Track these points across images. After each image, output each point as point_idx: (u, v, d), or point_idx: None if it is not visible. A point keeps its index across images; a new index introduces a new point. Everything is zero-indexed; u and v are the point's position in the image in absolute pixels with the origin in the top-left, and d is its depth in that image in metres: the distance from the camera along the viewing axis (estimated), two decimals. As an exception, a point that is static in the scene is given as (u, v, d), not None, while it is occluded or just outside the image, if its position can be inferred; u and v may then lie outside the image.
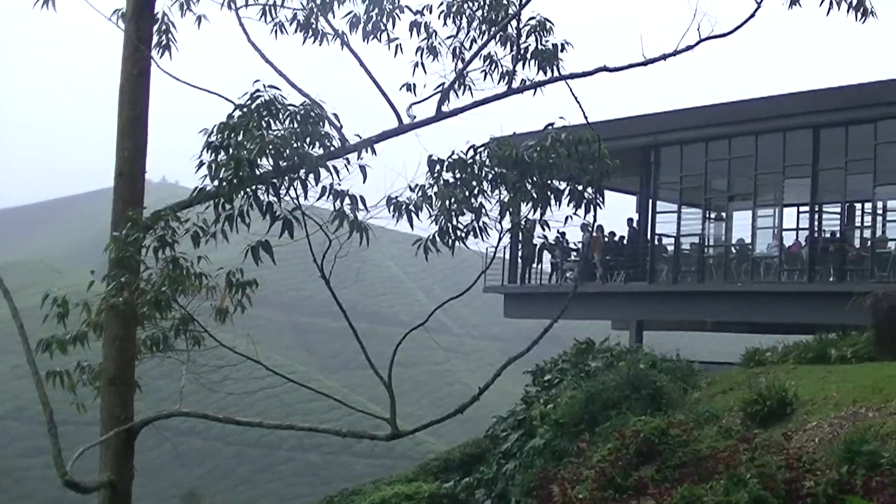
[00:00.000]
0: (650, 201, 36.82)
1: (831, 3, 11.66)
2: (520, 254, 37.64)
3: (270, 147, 10.51)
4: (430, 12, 12.93)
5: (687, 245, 35.90)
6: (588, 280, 36.25)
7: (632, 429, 20.06)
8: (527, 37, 12.56)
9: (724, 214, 36.12)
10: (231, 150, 10.66)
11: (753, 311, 32.39)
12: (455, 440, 34.94)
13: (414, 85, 12.83)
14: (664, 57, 11.98)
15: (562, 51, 12.50)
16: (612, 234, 37.99)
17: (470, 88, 12.78)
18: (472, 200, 11.30)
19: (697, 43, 11.79)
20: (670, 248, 36.19)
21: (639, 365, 24.63)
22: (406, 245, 11.48)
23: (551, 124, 11.36)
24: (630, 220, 38.33)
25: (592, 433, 22.12)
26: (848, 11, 11.60)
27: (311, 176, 10.63)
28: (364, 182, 10.93)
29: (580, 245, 37.16)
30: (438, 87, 12.58)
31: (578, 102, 11.74)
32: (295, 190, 10.82)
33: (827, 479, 15.12)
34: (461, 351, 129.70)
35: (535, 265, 38.85)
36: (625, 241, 38.08)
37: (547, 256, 37.27)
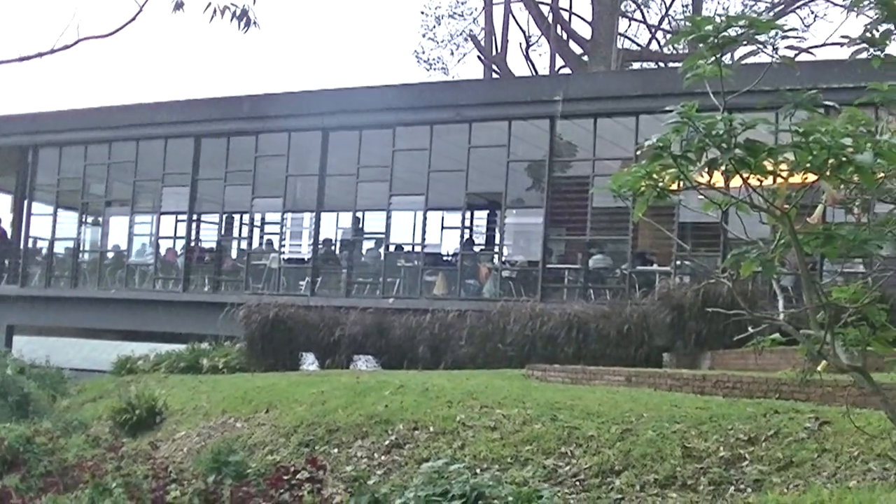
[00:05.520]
0: (25, 202, 35.47)
1: (215, 11, 11.53)
2: None
3: None
4: None
5: (62, 249, 34.88)
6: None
7: (-4, 436, 19.24)
8: None
9: (101, 219, 35.50)
10: None
11: (127, 319, 31.96)
12: None
13: None
14: (40, 55, 11.36)
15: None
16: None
17: None
18: None
19: (76, 42, 11.29)
20: (45, 251, 35.05)
21: (6, 370, 23.63)
22: None
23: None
24: (-4, 219, 36.68)
25: (-44, 442, 21.03)
26: (231, 20, 11.53)
27: None
28: None
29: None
30: None
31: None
32: None
33: (194, 488, 15.06)
34: None
35: None
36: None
37: None
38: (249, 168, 30.64)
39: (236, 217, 34.53)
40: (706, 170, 6.30)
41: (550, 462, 12.37)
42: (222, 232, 33.33)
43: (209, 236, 34.22)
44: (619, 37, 43.98)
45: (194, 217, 32.96)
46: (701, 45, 6.51)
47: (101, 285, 32.99)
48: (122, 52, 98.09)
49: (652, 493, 11.02)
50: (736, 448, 11.32)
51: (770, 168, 6.46)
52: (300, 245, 34.83)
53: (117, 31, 11.53)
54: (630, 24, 50.53)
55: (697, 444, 11.63)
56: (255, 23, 11.70)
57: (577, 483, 11.76)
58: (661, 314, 20.93)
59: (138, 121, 32.15)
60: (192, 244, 32.75)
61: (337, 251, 31.53)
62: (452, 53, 54.25)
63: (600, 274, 26.39)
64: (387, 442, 14.50)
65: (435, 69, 53.98)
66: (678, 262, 24.65)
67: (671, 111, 6.18)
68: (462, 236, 29.15)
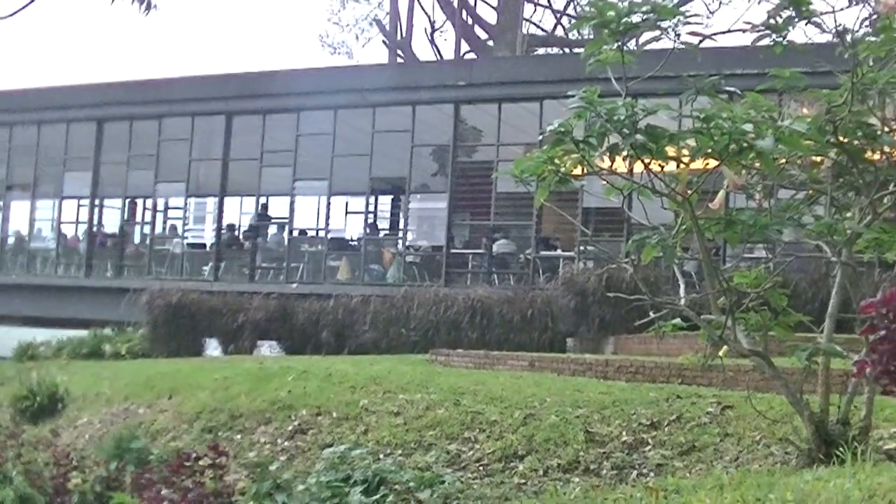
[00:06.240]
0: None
1: (129, -5, 11.39)
2: None
3: None
4: None
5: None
6: None
7: None
8: None
9: (1, 204, 34.91)
10: None
11: (29, 305, 31.46)
12: None
13: None
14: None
15: None
16: None
17: None
18: None
19: (-23, 23, 11.07)
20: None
21: None
22: None
23: None
24: None
25: None
26: (133, 2, 11.39)
27: None
28: None
29: None
30: None
31: None
32: None
33: (95, 475, 14.90)
34: None
35: None
36: None
37: None
38: (152, 153, 30.34)
39: (139, 202, 34.10)
40: (608, 155, 6.32)
41: (454, 447, 12.35)
42: (125, 217, 32.86)
43: (112, 221, 33.76)
44: (524, 22, 44.01)
45: (97, 202, 32.54)
46: (604, 30, 6.52)
47: (2, 271, 32.52)
48: (22, 35, 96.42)
49: (555, 478, 11.04)
50: (638, 433, 11.37)
51: (672, 153, 6.50)
52: (203, 230, 34.48)
53: (17, 12, 11.34)
54: (535, 10, 50.54)
55: (600, 428, 11.67)
56: (154, 6, 11.59)
57: (481, 468, 11.75)
58: (564, 299, 21.03)
59: (39, 104, 31.64)
60: (95, 229, 32.35)
61: (240, 236, 31.27)
62: (357, 38, 54.20)
63: (504, 259, 26.44)
64: (290, 427, 14.42)
65: (339, 53, 53.76)
66: (582, 248, 24.80)
67: (574, 96, 6.19)
68: (366, 221, 29.04)
